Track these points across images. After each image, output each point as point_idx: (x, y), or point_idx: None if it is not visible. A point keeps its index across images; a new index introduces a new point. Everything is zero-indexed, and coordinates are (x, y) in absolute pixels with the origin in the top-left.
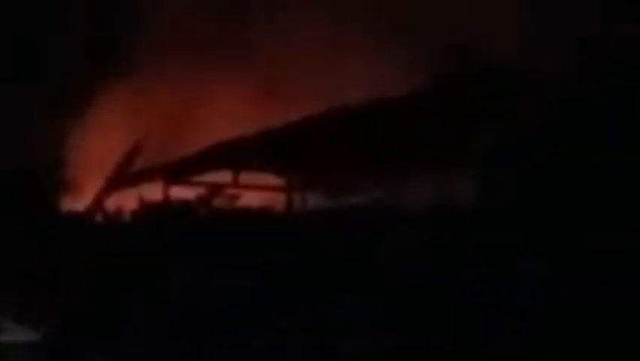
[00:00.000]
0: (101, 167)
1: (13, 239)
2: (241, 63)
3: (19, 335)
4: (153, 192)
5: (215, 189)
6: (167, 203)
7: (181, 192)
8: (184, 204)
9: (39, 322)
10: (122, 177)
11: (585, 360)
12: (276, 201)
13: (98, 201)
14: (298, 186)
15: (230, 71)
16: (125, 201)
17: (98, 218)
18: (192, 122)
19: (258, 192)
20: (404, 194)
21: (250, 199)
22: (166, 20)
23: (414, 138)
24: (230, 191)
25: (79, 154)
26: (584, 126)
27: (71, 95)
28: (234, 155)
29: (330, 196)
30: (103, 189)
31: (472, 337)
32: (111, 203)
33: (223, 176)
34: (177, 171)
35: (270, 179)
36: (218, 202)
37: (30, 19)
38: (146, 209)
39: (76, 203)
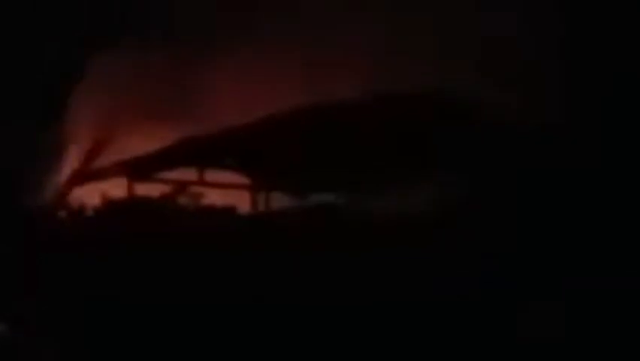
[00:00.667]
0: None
1: None
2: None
3: None
4: (117, 188)
5: (180, 186)
6: (130, 200)
7: (145, 189)
8: (148, 202)
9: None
10: (85, 173)
11: None
12: (241, 200)
13: (61, 197)
14: (263, 185)
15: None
16: (88, 197)
17: (61, 214)
18: (160, 117)
19: (222, 190)
20: (367, 196)
21: (215, 198)
22: None
23: (377, 139)
24: (195, 189)
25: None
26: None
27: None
28: (200, 152)
29: (296, 196)
30: (65, 184)
31: None
32: (73, 199)
33: (188, 173)
34: (142, 168)
35: (236, 177)
36: (182, 200)
37: None
38: (109, 206)
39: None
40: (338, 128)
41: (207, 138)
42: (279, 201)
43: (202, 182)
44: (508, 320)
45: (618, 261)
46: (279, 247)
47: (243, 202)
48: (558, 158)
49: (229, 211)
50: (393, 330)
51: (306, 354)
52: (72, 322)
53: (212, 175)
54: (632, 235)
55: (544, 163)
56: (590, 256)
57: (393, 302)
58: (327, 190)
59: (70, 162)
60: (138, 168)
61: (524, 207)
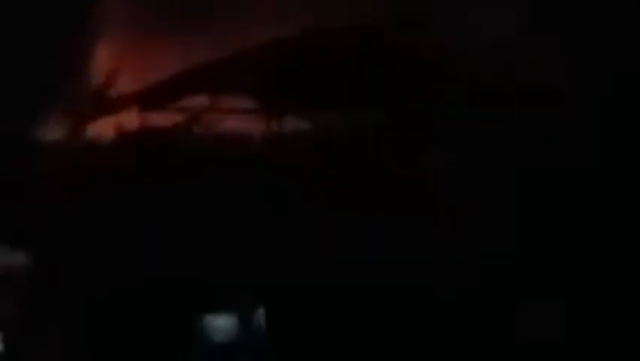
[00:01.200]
0: None
1: None
2: None
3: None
4: (130, 120)
5: (194, 114)
6: (145, 131)
7: (159, 119)
8: (162, 132)
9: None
10: (98, 105)
11: None
12: (256, 124)
13: (75, 130)
14: (277, 109)
15: None
16: (102, 130)
17: (76, 147)
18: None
19: (237, 116)
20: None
21: (230, 124)
22: None
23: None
24: (209, 116)
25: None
26: None
27: None
28: (212, 78)
29: (309, 119)
30: (79, 118)
31: None
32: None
33: (201, 101)
34: (154, 98)
35: (249, 102)
36: (197, 128)
37: None
38: (124, 137)
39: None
40: (345, 52)
41: (220, 64)
42: (294, 124)
43: (216, 109)
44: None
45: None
46: (295, 171)
47: (258, 127)
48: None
49: (245, 137)
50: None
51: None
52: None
53: (226, 101)
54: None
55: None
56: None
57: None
58: (338, 110)
59: (85, 92)
60: (151, 98)
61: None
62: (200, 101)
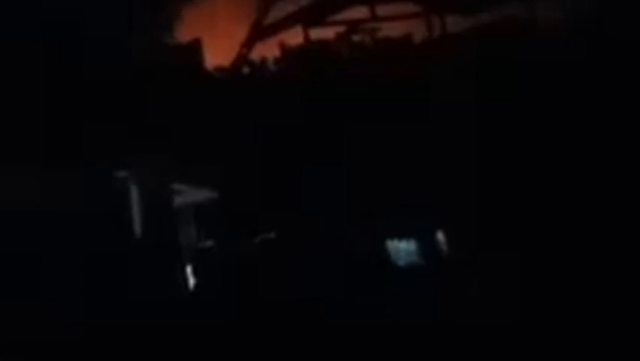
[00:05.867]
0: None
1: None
2: None
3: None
4: (293, 37)
5: (354, 25)
6: (308, 46)
7: (321, 34)
8: (324, 44)
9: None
10: (262, 28)
11: None
12: (417, 28)
13: (243, 54)
14: (436, 9)
15: None
16: (268, 50)
17: (245, 70)
18: None
19: (397, 22)
20: None
21: (390, 31)
22: None
23: None
24: (369, 25)
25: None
26: None
27: None
28: None
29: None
30: (245, 41)
31: None
32: (255, 54)
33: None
34: (314, 14)
35: (408, 7)
36: (358, 38)
37: None
38: (289, 53)
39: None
40: None
41: None
42: (452, 24)
43: (374, 17)
44: None
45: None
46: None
47: (418, 30)
48: None
49: (405, 41)
50: None
51: None
52: None
53: (384, 9)
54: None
55: None
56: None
57: None
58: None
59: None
60: (312, 14)
61: None
62: (359, 11)
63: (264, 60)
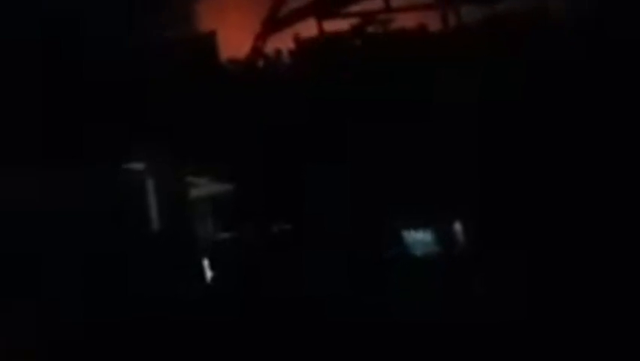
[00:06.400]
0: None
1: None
2: None
3: (211, 188)
4: (307, 29)
5: (368, 17)
6: (323, 38)
7: (335, 26)
8: (338, 35)
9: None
10: (275, 20)
11: None
12: (432, 19)
13: (257, 47)
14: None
15: None
16: (282, 42)
17: (260, 63)
18: None
19: (410, 12)
20: None
21: (404, 22)
22: None
23: None
24: (383, 17)
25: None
26: None
27: None
28: None
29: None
30: (259, 34)
31: None
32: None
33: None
34: (328, 5)
35: None
36: (372, 29)
37: None
38: (303, 45)
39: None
40: None
41: None
42: (468, 13)
43: (389, 9)
44: None
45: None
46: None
47: (434, 21)
48: None
49: (421, 31)
50: None
51: None
52: None
53: (398, 0)
54: None
55: None
56: None
57: None
58: None
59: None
60: (325, 6)
61: None
62: (373, 3)
63: (278, 53)
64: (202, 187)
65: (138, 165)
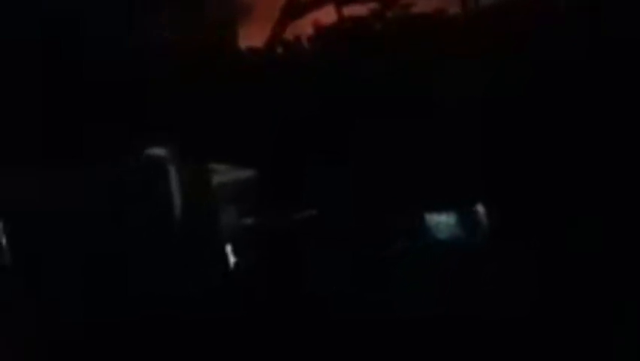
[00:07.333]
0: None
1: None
2: None
3: (231, 175)
4: (327, 16)
5: (388, 1)
6: (342, 24)
7: (354, 11)
8: (357, 21)
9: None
10: (295, 7)
11: None
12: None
13: (276, 34)
14: None
15: None
16: (301, 29)
17: (279, 50)
18: None
19: None
20: None
21: (424, 6)
22: None
23: None
24: (404, 1)
25: None
26: None
27: None
28: None
29: None
30: (278, 21)
31: None
32: (288, 34)
33: None
34: None
35: None
36: (392, 14)
37: None
38: (323, 31)
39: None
40: None
41: None
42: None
43: None
44: None
45: None
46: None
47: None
48: None
49: (440, 15)
50: None
51: None
52: None
53: None
54: None
55: None
56: None
57: None
58: None
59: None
60: None
61: None
62: None
63: (298, 39)
64: (226, 172)
65: (159, 152)
